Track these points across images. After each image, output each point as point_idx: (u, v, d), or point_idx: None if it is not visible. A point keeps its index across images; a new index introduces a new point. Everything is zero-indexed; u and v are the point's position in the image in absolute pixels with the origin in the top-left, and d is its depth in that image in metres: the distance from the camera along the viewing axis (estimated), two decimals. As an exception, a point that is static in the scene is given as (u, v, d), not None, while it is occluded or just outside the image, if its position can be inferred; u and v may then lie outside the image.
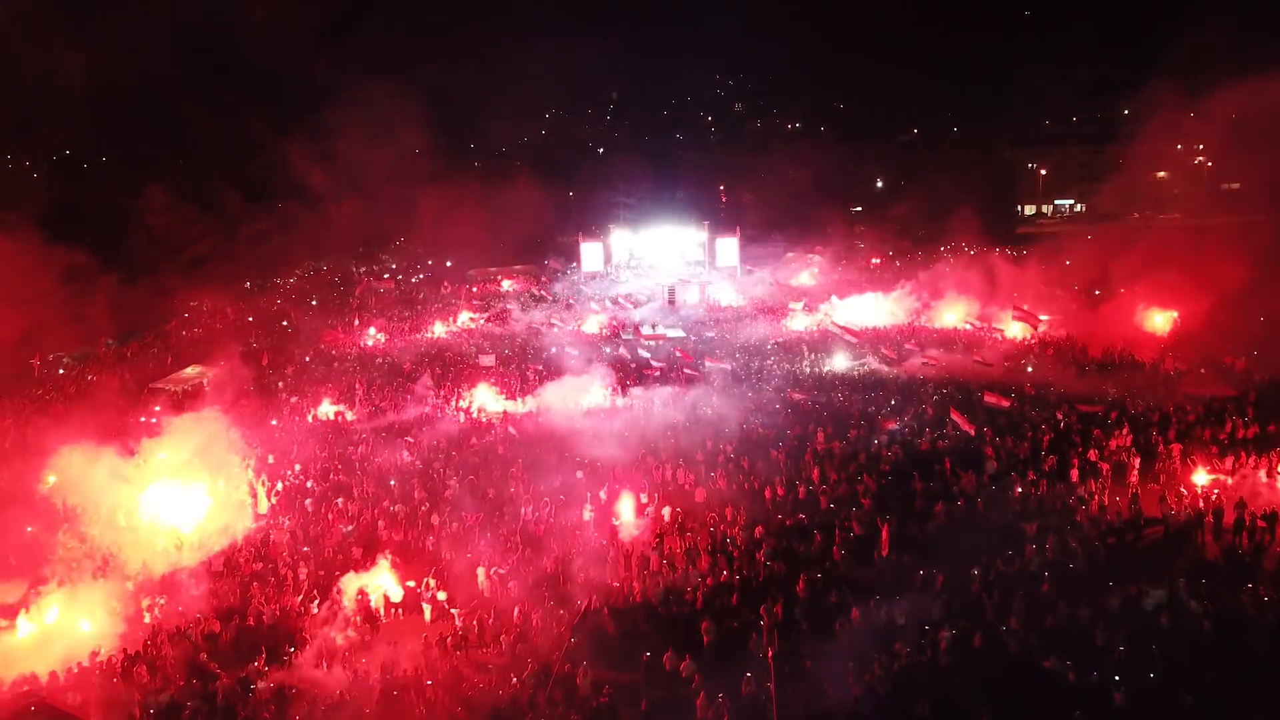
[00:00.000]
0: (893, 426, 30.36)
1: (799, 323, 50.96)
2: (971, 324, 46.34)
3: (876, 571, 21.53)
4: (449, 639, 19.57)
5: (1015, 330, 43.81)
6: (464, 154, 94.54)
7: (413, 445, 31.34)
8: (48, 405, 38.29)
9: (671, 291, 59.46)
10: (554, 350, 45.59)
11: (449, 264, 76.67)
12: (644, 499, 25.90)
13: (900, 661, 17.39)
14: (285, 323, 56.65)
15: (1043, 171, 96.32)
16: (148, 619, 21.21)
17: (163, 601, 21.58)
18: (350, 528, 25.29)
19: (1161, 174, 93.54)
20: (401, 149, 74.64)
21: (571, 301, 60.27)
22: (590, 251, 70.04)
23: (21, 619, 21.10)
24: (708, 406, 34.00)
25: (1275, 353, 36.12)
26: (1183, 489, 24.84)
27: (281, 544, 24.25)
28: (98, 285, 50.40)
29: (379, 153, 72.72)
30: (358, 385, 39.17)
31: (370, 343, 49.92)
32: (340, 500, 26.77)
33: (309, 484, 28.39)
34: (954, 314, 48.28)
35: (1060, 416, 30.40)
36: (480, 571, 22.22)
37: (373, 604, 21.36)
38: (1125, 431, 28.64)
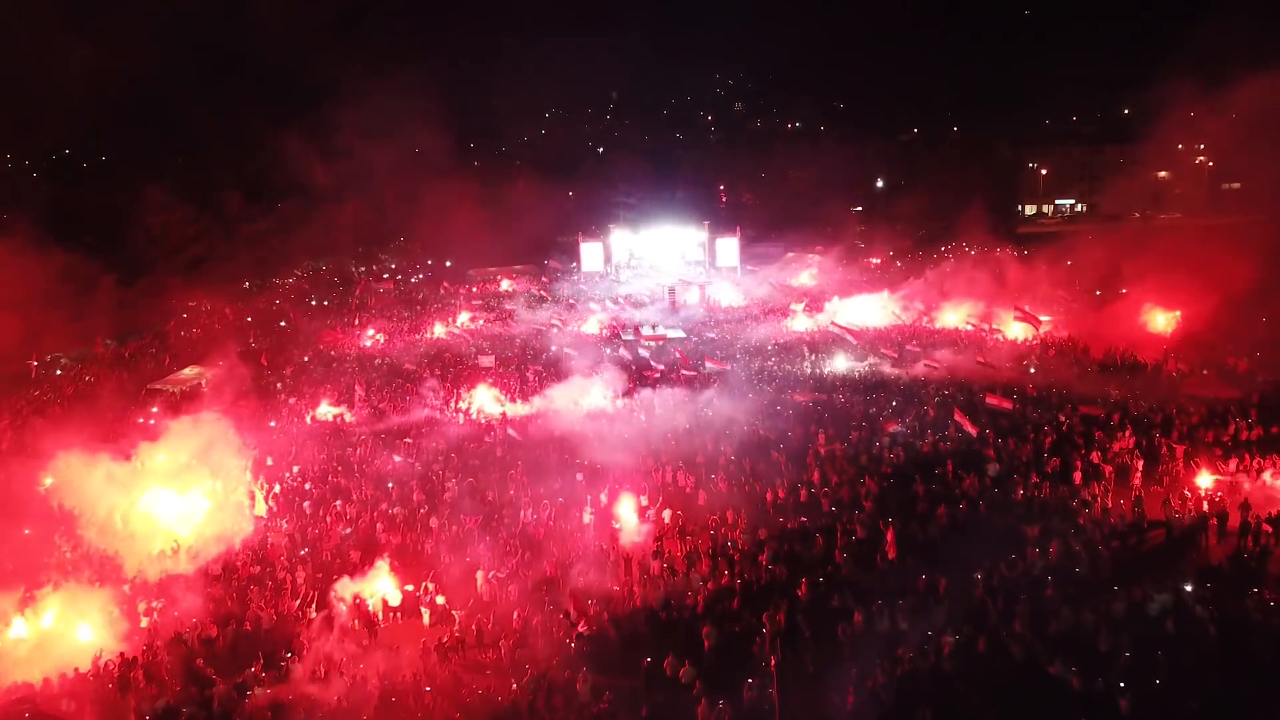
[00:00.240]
0: (894, 428, 30.18)
1: (800, 323, 50.77)
2: (972, 325, 46.16)
3: (879, 575, 21.34)
4: (447, 644, 19.39)
5: (1016, 331, 43.62)
6: (464, 154, 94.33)
7: (411, 447, 31.16)
8: (45, 406, 38.15)
9: (672, 292, 59.26)
10: (554, 351, 45.40)
11: (448, 264, 76.53)
12: (644, 501, 25.71)
13: (903, 667, 17.22)
14: (284, 323, 56.44)
15: (1043, 171, 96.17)
16: (145, 623, 21.04)
17: (159, 606, 21.39)
18: (349, 530, 25.13)
19: (1162, 174, 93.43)
20: (401, 148, 74.68)
21: (573, 302, 60.08)
22: (590, 251, 69.89)
23: (17, 623, 20.91)
24: (708, 408, 33.81)
25: (1278, 354, 35.98)
26: (1186, 492, 24.66)
27: (279, 547, 24.07)
28: (96, 285, 50.40)
29: (378, 152, 72.68)
30: (357, 386, 38.96)
31: (369, 343, 49.72)
32: (339, 503, 26.58)
33: (307, 486, 28.21)
34: (955, 315, 48.10)
35: (1063, 418, 30.22)
36: (479, 575, 22.04)
37: (371, 608, 21.19)
38: (1128, 433, 28.47)
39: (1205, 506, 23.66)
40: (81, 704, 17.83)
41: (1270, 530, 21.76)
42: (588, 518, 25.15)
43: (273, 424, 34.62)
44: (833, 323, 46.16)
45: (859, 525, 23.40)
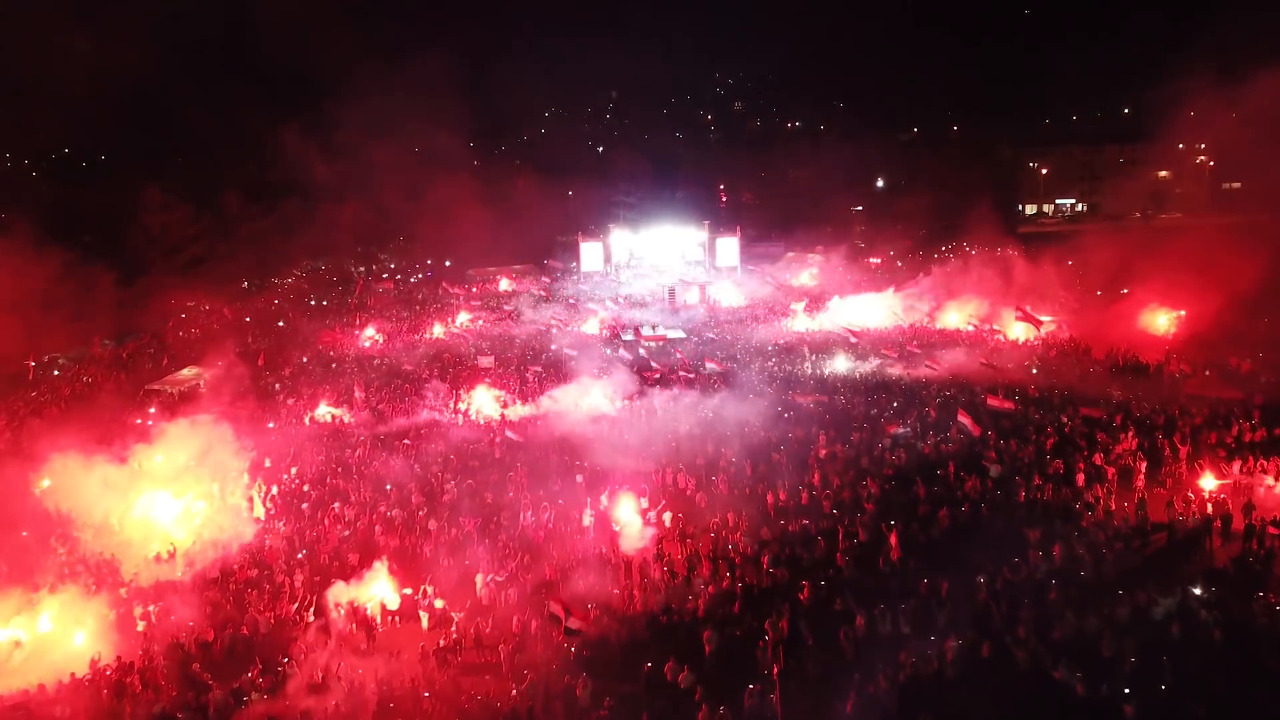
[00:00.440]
0: (896, 430, 30.01)
1: (800, 324, 50.62)
2: (974, 325, 46.01)
3: (881, 579, 21.15)
4: (446, 648, 19.22)
5: (1018, 332, 43.46)
6: (463, 153, 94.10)
7: (410, 449, 30.97)
8: (43, 407, 37.97)
9: (672, 292, 59.10)
10: (554, 351, 45.21)
11: (448, 264, 76.38)
12: (644, 504, 25.53)
13: (906, 673, 17.06)
14: (282, 323, 56.24)
15: (1044, 171, 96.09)
16: (141, 627, 20.87)
17: (155, 610, 21.20)
18: (347, 533, 24.94)
19: (1163, 173, 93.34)
20: (400, 148, 74.49)
21: (574, 301, 59.89)
22: (590, 251, 69.75)
23: (12, 628, 20.73)
24: (709, 409, 33.62)
25: (1281, 355, 35.89)
26: (1190, 494, 24.49)
27: (277, 550, 23.89)
28: (94, 285, 50.20)
29: (378, 152, 72.49)
30: (356, 387, 38.75)
31: (368, 344, 49.52)
32: (337, 505, 26.40)
33: (305, 488, 28.01)
34: (956, 315, 47.95)
35: (1065, 420, 30.06)
36: (478, 579, 21.86)
37: (369, 612, 21.02)
38: (1131, 435, 28.30)
39: (1209, 509, 23.50)
40: (76, 710, 17.65)
41: (1275, 533, 21.59)
42: (588, 520, 24.97)
43: (271, 425, 34.41)
44: (844, 329, 45.91)
45: (860, 528, 23.25)
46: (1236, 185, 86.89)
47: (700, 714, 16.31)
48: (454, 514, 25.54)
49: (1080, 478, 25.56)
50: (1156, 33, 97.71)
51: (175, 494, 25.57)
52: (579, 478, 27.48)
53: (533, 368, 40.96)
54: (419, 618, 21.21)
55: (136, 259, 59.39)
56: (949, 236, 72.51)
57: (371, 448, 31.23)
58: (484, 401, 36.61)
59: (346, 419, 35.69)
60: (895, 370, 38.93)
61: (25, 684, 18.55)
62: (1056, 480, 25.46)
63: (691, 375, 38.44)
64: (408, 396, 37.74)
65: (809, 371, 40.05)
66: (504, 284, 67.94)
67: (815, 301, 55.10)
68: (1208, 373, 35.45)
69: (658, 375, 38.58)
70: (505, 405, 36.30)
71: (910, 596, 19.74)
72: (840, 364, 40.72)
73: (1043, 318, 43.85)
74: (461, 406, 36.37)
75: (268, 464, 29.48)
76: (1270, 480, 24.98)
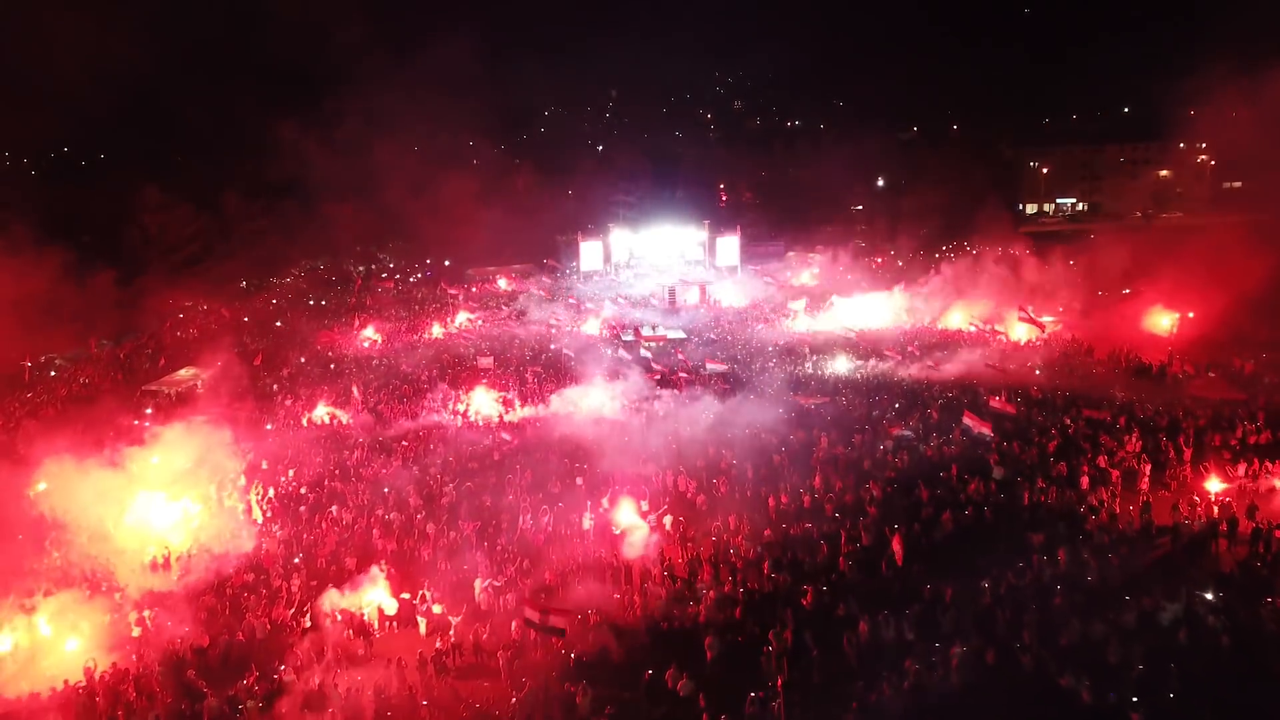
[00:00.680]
0: (898, 432, 29.77)
1: (801, 324, 50.39)
2: (976, 326, 45.79)
3: (884, 583, 20.93)
4: (444, 656, 18.98)
5: (1020, 332, 43.24)
6: (462, 152, 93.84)
7: (408, 450, 30.72)
8: (39, 408, 37.69)
9: (672, 292, 58.85)
10: (553, 351, 44.95)
11: (447, 263, 76.10)
12: (645, 507, 25.29)
13: (910, 680, 16.83)
14: (280, 323, 55.96)
15: (1044, 170, 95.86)
16: (136, 632, 20.63)
17: (150, 615, 20.95)
18: (345, 536, 24.68)
19: (1164, 172, 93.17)
20: (399, 147, 74.24)
21: (573, 300, 59.60)
22: (590, 250, 69.44)
23: (6, 634, 20.49)
24: (709, 411, 33.39)
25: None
26: (1195, 497, 24.27)
27: (274, 554, 23.64)
28: (91, 285, 49.95)
29: (376, 151, 72.25)
30: (354, 388, 38.46)
31: (367, 344, 49.22)
32: (334, 508, 26.14)
33: (303, 491, 27.74)
34: (958, 316, 47.72)
35: (1068, 422, 29.84)
36: (477, 583, 21.63)
37: (366, 617, 20.78)
38: (1135, 437, 28.08)
39: (1215, 512, 23.30)
40: (70, 718, 17.40)
41: (1282, 537, 21.41)
42: (588, 524, 24.73)
43: (268, 427, 34.16)
44: (845, 329, 45.67)
45: (863, 531, 23.04)
46: (1237, 185, 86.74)
47: (702, 721, 16.11)
48: (452, 517, 25.30)
49: (1084, 480, 25.36)
50: (1156, 32, 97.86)
51: (171, 497, 25.32)
52: (579, 480, 27.24)
53: (532, 368, 40.71)
54: (417, 623, 20.97)
55: (134, 258, 59.18)
56: (950, 236, 72.30)
57: (369, 450, 30.96)
58: (483, 402, 36.35)
59: (345, 420, 35.44)
60: (897, 371, 38.66)
61: (18, 691, 18.31)
62: (1060, 483, 25.26)
63: (692, 376, 38.16)
64: (406, 398, 37.48)
65: (810, 372, 39.84)
66: (502, 283, 67.61)
67: (816, 301, 54.88)
68: (1211, 374, 35.26)
69: (658, 376, 38.32)
70: (507, 406, 36.02)
71: (914, 601, 19.53)
72: (841, 365, 40.49)
73: (1044, 319, 43.68)
74: (460, 408, 36.10)
75: (264, 466, 29.24)
76: (1276, 483, 24.74)
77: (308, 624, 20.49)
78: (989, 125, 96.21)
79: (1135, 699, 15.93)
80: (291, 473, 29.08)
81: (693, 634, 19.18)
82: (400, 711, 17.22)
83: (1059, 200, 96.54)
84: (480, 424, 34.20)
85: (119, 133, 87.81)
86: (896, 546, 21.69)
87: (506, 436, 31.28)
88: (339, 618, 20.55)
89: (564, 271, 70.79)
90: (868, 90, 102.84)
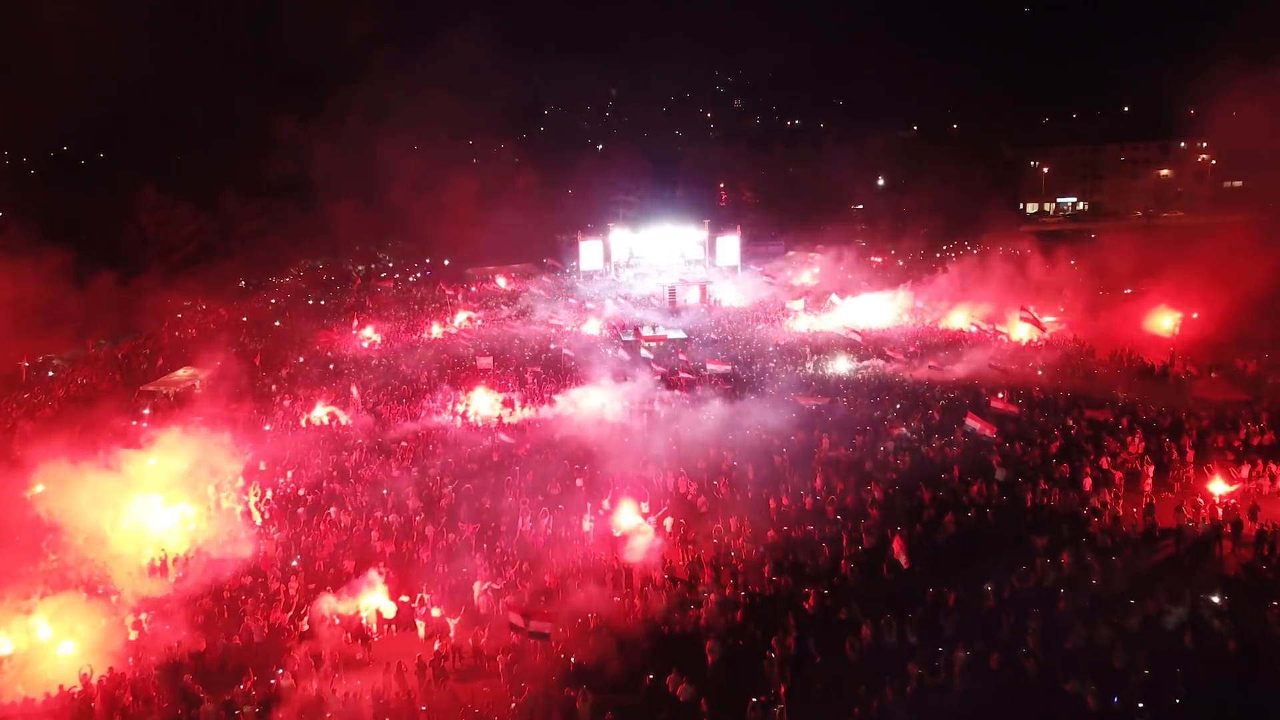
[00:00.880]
0: (899, 433, 29.60)
1: (802, 324, 50.22)
2: (977, 326, 45.61)
3: (886, 587, 20.76)
4: (443, 660, 18.81)
5: (1021, 333, 43.07)
6: (462, 151, 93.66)
7: (406, 451, 30.53)
8: (36, 409, 37.50)
9: (673, 292, 58.64)
10: (555, 350, 44.74)
11: (446, 262, 75.90)
12: (645, 509, 25.12)
13: (913, 685, 16.68)
14: (279, 323, 55.78)
15: (1045, 169, 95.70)
16: (133, 636, 20.46)
17: (147, 619, 20.78)
18: (344, 538, 24.51)
19: (1165, 172, 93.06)
20: (399, 146, 74.04)
21: (576, 301, 59.39)
22: (589, 249, 69.20)
23: (3, 636, 20.31)
24: (709, 412, 33.22)
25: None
26: (1199, 499, 24.11)
27: (272, 557, 23.46)
28: (89, 285, 49.79)
29: (376, 150, 72.04)
30: (353, 389, 38.27)
31: (366, 345, 49.03)
32: (333, 510, 25.96)
33: (301, 492, 27.54)
34: (960, 316, 47.55)
35: (1071, 422, 29.67)
36: (476, 586, 21.45)
37: (364, 621, 20.61)
38: (1138, 438, 27.92)
39: (1219, 514, 23.15)
40: (65, 724, 17.28)
41: (1288, 540, 21.25)
42: (588, 526, 24.56)
43: (267, 428, 33.98)
44: (847, 329, 45.48)
45: (864, 533, 22.88)
46: (1238, 184, 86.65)
47: (703, 727, 15.95)
48: (451, 519, 25.13)
49: (1087, 482, 25.20)
50: (1157, 31, 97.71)
51: (168, 500, 25.13)
52: (579, 482, 27.06)
53: (532, 369, 40.53)
54: (415, 627, 20.80)
55: (132, 258, 59.01)
56: (950, 235, 72.15)
57: (368, 451, 30.77)
58: (483, 403, 36.17)
59: (344, 421, 35.25)
60: (898, 371, 38.48)
61: (14, 696, 18.14)
62: (1063, 484, 25.10)
63: (694, 377, 37.96)
64: (405, 399, 37.29)
65: (810, 371, 39.67)
66: (501, 283, 67.40)
67: (817, 301, 54.69)
68: (1214, 374, 35.10)
69: (660, 377, 38.10)
70: (509, 407, 35.83)
71: (916, 605, 19.37)
72: (842, 365, 40.32)
73: (1046, 319, 43.52)
74: (460, 408, 35.92)
75: (262, 467, 29.06)
76: (1281, 485, 24.61)
77: (305, 628, 20.29)
78: (990, 124, 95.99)
79: (1141, 705, 15.78)
80: (290, 474, 28.90)
81: (694, 638, 19.00)
82: (399, 717, 17.04)
83: (1059, 200, 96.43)
84: (480, 425, 34.00)
85: (117, 132, 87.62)
86: (898, 548, 21.52)
87: (505, 438, 31.03)
88: (337, 621, 20.38)
89: (564, 271, 70.58)
90: (868, 89, 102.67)
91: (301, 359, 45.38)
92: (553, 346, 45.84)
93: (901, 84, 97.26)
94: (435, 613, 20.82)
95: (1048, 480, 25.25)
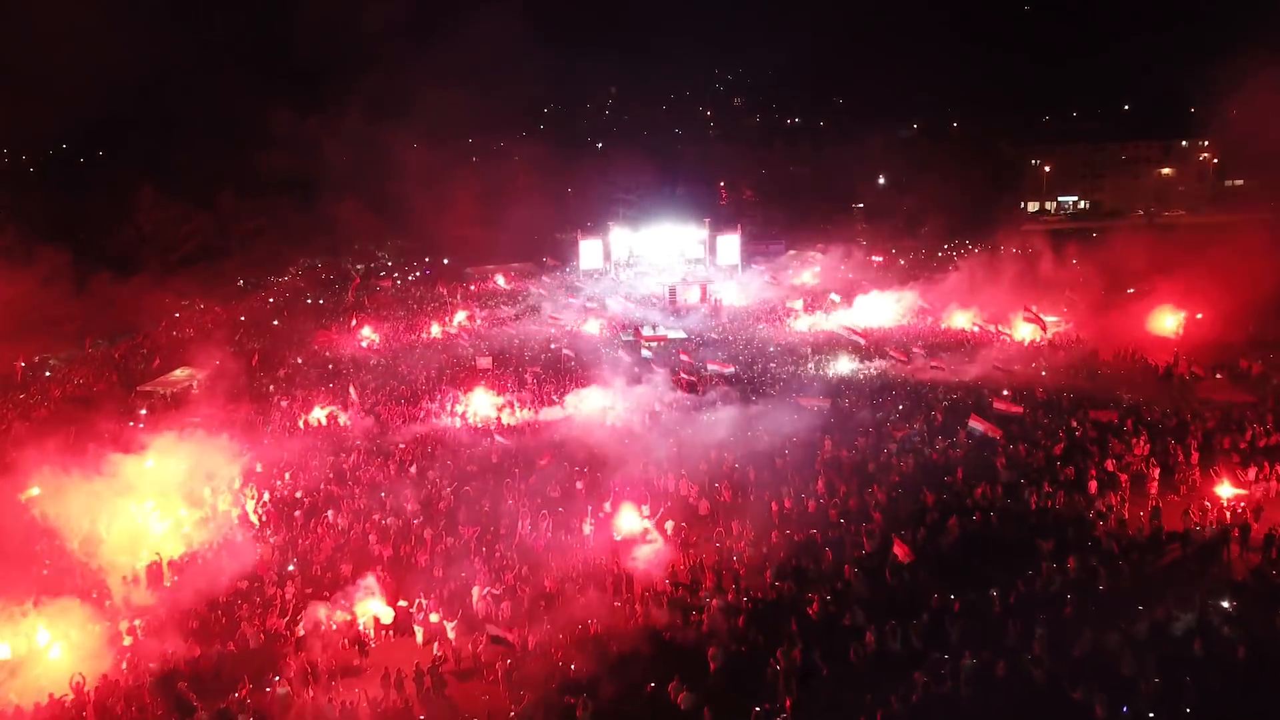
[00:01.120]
0: (903, 434, 29.33)
1: (803, 323, 49.95)
2: (979, 326, 45.35)
3: (890, 592, 20.51)
4: (441, 666, 18.54)
5: (1024, 332, 42.82)
6: (461, 150, 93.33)
7: (405, 453, 30.24)
8: (32, 410, 37.20)
9: (673, 291, 58.36)
10: (557, 350, 44.43)
11: (445, 261, 75.62)
12: (645, 512, 24.85)
13: (918, 693, 16.41)
14: (277, 322, 55.47)
15: (1046, 168, 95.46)
16: (127, 641, 20.18)
17: (141, 625, 20.50)
18: (341, 541, 24.22)
19: (1166, 170, 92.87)
20: (398, 145, 73.77)
21: (573, 300, 59.10)
22: (589, 249, 68.92)
23: (-2, 641, 20.06)
24: (710, 413, 32.95)
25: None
26: (1206, 502, 23.85)
27: (269, 561, 23.17)
28: (86, 284, 49.58)
29: (375, 149, 71.81)
30: (352, 389, 37.97)
31: (365, 344, 48.72)
32: (330, 513, 25.68)
33: (298, 495, 27.25)
34: (961, 315, 47.28)
35: (1075, 424, 29.41)
36: (475, 591, 21.18)
37: (361, 626, 20.35)
38: (1143, 440, 27.67)
39: (1227, 517, 22.89)
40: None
41: (1297, 543, 20.99)
42: (588, 530, 24.30)
43: (265, 428, 33.67)
44: (842, 326, 45.22)
45: (866, 537, 22.63)
46: (1239, 183, 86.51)
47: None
48: (450, 522, 24.86)
49: (1092, 485, 24.94)
50: (1158, 30, 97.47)
51: (164, 503, 24.84)
52: (579, 484, 26.79)
53: (532, 369, 40.25)
54: (414, 632, 20.54)
55: (130, 257, 58.77)
56: (952, 234, 71.91)
57: (366, 453, 30.48)
58: (482, 404, 35.87)
59: (342, 421, 34.96)
60: (901, 372, 38.21)
61: (4, 703, 17.87)
62: (1067, 487, 24.84)
63: (695, 378, 37.68)
64: (404, 399, 37.00)
65: (812, 371, 39.40)
66: (501, 281, 67.11)
67: (817, 300, 54.42)
68: (1219, 375, 34.86)
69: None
70: (509, 408, 35.56)
71: (921, 610, 19.11)
72: (843, 365, 40.05)
73: (1049, 318, 43.28)
74: (459, 409, 35.64)
75: (259, 469, 28.76)
76: (1288, 487, 24.34)
77: (302, 633, 20.01)
78: (990, 123, 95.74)
79: (1151, 715, 15.52)
80: (287, 476, 28.60)
81: (695, 644, 18.75)
82: (396, 725, 16.83)
83: (1061, 199, 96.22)
84: (479, 426, 33.71)
85: (115, 131, 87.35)
86: (899, 551, 21.26)
87: (501, 440, 30.71)
88: (334, 627, 20.11)
89: (564, 270, 70.29)
90: (869, 87, 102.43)
91: (299, 359, 45.06)
92: (553, 346, 45.55)
93: (902, 83, 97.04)
94: (433, 618, 20.54)
95: (1052, 483, 24.99)
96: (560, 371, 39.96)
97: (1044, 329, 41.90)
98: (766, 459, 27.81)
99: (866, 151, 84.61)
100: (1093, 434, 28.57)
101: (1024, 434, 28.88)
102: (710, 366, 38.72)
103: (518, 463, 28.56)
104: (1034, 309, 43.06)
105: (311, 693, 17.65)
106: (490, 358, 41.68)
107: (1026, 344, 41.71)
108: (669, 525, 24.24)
